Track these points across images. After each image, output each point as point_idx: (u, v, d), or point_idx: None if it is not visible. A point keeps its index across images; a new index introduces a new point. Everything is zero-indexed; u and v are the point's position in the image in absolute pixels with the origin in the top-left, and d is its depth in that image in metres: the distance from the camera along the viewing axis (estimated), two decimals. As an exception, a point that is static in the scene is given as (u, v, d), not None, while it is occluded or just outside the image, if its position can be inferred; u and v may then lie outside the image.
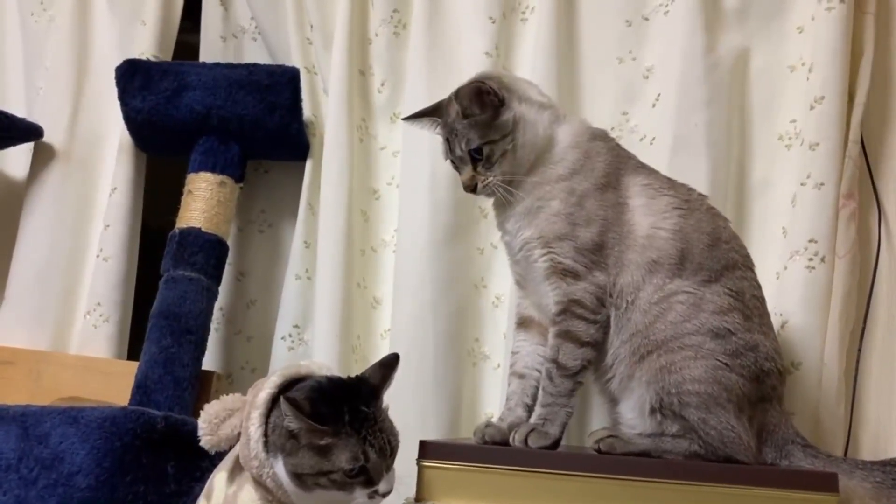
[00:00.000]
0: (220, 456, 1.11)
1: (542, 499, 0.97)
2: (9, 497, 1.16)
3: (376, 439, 0.92)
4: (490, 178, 1.17)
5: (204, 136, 1.63)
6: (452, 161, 1.22)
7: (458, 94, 1.18)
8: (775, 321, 1.26)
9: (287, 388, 0.97)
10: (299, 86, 1.62)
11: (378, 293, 1.63)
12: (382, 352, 1.58)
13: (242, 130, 1.62)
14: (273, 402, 0.96)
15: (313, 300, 1.60)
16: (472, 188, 1.19)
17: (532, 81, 1.29)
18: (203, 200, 1.59)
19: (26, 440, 1.20)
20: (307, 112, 1.67)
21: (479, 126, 1.16)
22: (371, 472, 0.92)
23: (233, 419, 1.01)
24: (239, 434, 0.98)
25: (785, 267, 1.36)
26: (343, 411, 0.92)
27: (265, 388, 0.97)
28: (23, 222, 1.73)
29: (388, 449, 0.93)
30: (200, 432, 1.01)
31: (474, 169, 1.18)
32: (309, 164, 1.67)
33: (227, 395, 1.06)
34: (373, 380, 0.98)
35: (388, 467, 0.94)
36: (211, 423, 1.02)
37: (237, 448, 0.98)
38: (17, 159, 1.82)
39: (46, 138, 1.75)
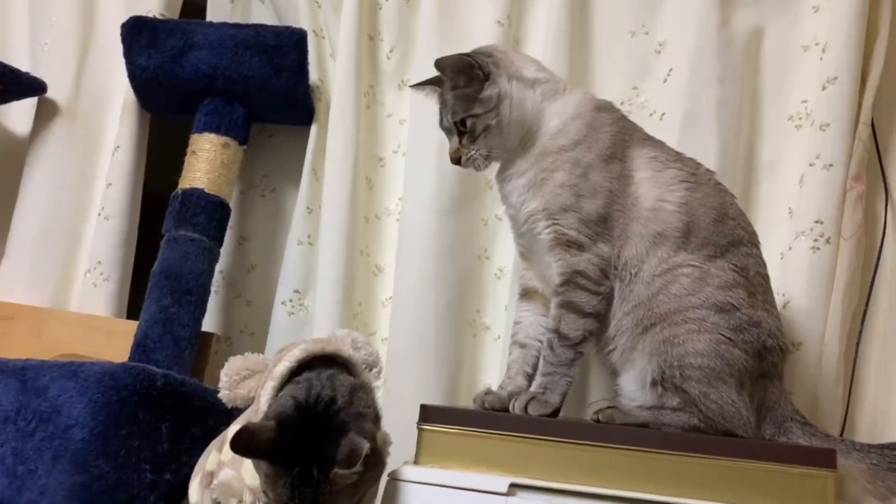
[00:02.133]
0: (215, 427, 1.12)
1: (540, 466, 0.97)
2: (6, 448, 1.16)
3: (295, 497, 0.86)
4: (473, 152, 1.18)
5: (209, 96, 1.62)
6: (444, 131, 1.23)
7: (439, 64, 1.18)
8: (778, 301, 1.26)
9: (308, 365, 0.96)
10: (306, 48, 1.60)
11: (381, 261, 1.63)
12: (384, 319, 1.58)
13: (248, 92, 1.60)
14: (290, 376, 0.95)
15: (315, 266, 1.59)
16: (456, 160, 1.20)
17: (532, 57, 1.29)
18: (206, 161, 1.58)
19: (25, 393, 1.19)
20: (313, 76, 1.65)
21: (464, 99, 1.17)
22: None
23: (251, 381, 1.02)
24: (254, 397, 0.98)
25: (790, 247, 1.36)
26: (297, 461, 0.86)
27: (284, 360, 0.96)
28: (25, 179, 1.72)
29: None
30: (221, 385, 1.04)
31: (460, 141, 1.19)
32: (314, 129, 1.65)
33: (242, 355, 1.09)
34: (340, 452, 0.86)
35: None
36: (231, 378, 1.04)
37: (251, 409, 0.98)
38: (20, 115, 1.80)
39: (50, 95, 1.73)
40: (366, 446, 0.85)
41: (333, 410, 0.90)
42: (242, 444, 0.86)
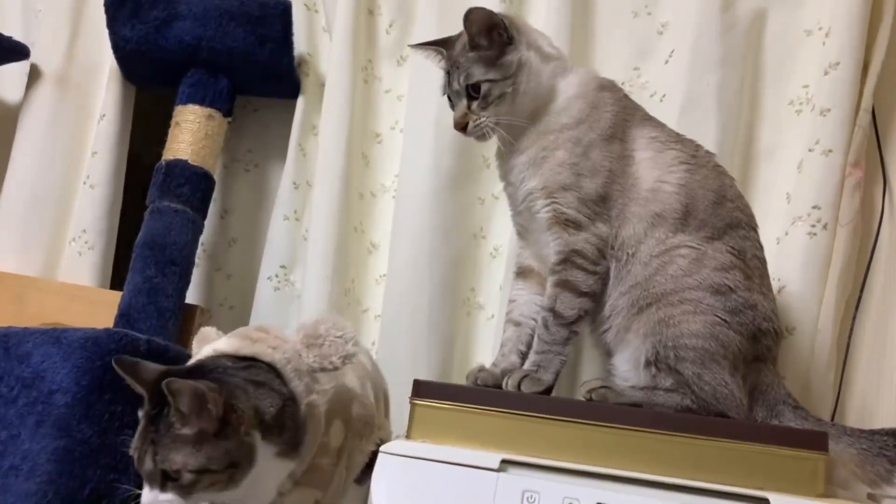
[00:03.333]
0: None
1: (531, 443, 0.96)
2: (-11, 415, 1.15)
3: (139, 439, 0.88)
4: (482, 119, 1.13)
5: (193, 67, 1.59)
6: (449, 97, 1.19)
7: (468, 16, 1.12)
8: (774, 286, 1.25)
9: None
10: (291, 19, 1.58)
11: (375, 238, 1.61)
12: (377, 297, 1.57)
13: (232, 63, 1.58)
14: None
15: (301, 241, 1.58)
16: (462, 126, 1.15)
17: (543, 33, 1.26)
18: (190, 133, 1.55)
19: (8, 359, 1.18)
20: (303, 50, 1.63)
21: (483, 61, 1.13)
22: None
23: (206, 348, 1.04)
24: None
25: (786, 232, 1.35)
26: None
27: (205, 349, 1.00)
28: (15, 146, 1.69)
29: (143, 462, 0.87)
30: (193, 351, 1.05)
31: (468, 107, 1.14)
32: (301, 104, 1.63)
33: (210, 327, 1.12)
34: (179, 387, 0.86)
35: (147, 481, 0.88)
36: (192, 348, 1.07)
37: None
38: (12, 82, 1.77)
39: (43, 62, 1.71)
40: (201, 391, 0.85)
41: (216, 374, 0.92)
42: (127, 367, 0.91)
